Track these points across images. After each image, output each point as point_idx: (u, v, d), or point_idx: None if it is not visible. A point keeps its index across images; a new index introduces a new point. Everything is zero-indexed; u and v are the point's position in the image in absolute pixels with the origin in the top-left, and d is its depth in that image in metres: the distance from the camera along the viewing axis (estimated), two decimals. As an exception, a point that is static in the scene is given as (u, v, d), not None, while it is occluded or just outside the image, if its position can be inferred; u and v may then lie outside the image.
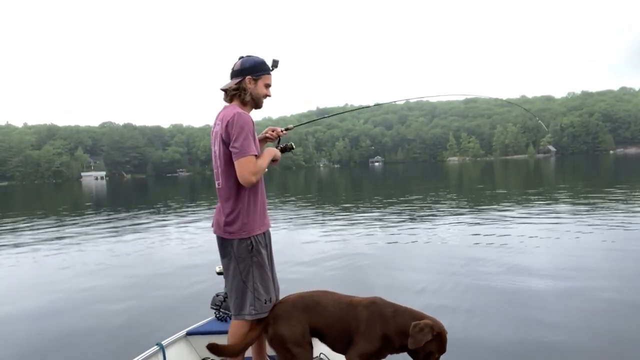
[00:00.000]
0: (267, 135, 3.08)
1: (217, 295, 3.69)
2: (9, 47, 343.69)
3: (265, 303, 2.79)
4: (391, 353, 2.66)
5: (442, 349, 2.54)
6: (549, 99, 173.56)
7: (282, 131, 3.11)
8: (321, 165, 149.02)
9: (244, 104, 2.83)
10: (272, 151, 2.92)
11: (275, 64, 2.86)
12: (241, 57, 2.85)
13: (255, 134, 2.84)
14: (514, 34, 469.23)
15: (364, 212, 14.79)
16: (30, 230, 14.32)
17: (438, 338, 2.51)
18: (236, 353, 2.76)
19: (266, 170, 2.87)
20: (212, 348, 2.73)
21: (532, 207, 13.63)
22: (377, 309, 2.64)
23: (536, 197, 17.25)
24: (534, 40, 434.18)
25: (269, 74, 2.86)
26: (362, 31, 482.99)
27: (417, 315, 2.61)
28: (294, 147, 3.10)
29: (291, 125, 3.27)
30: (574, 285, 5.59)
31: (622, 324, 4.35)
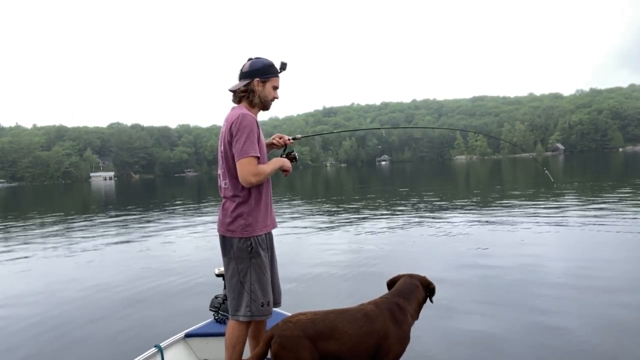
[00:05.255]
0: (274, 141, 3.10)
1: (216, 297, 3.66)
2: (17, 49, 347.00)
3: (262, 306, 2.76)
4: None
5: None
6: (557, 97, 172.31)
7: (289, 140, 3.14)
8: (328, 164, 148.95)
9: (252, 105, 2.84)
10: (281, 161, 2.92)
11: (283, 66, 2.87)
12: (250, 59, 2.85)
13: (262, 135, 2.85)
14: (522, 31, 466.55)
15: (371, 211, 14.72)
16: (37, 230, 14.39)
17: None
18: None
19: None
20: None
21: (541, 205, 13.49)
22: (396, 308, 2.63)
23: (546, 195, 17.08)
24: (542, 37, 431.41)
25: (277, 76, 2.88)
26: (368, 30, 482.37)
27: (416, 283, 2.79)
28: (297, 158, 3.08)
29: (299, 135, 3.28)
30: (587, 284, 5.52)
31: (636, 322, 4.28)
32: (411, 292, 2.74)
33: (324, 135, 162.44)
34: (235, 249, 2.76)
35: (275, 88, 2.88)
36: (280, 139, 3.11)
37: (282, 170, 2.94)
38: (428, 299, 2.86)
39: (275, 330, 2.51)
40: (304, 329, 2.47)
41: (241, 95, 2.84)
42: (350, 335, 2.50)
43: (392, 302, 2.66)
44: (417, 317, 2.75)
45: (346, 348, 2.49)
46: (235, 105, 2.88)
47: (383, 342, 2.52)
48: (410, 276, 2.83)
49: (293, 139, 3.19)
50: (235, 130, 2.68)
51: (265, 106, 2.88)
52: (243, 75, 2.83)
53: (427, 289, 2.82)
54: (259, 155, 2.73)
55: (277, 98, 2.91)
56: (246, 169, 2.66)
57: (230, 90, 2.89)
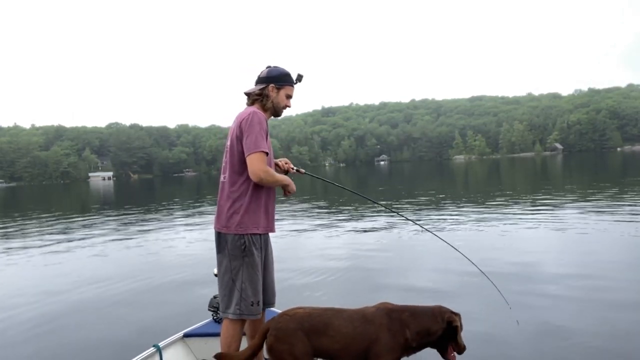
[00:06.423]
0: (280, 164, 3.15)
1: (215, 297, 3.67)
2: (16, 48, 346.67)
3: (252, 305, 2.80)
4: (407, 355, 2.63)
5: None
6: (555, 96, 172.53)
7: (293, 169, 3.21)
8: (327, 164, 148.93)
9: (264, 109, 2.94)
10: (288, 180, 2.97)
11: (299, 78, 3.00)
12: (268, 67, 2.97)
13: (269, 138, 2.90)
14: (520, 31, 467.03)
15: (368, 211, 14.74)
16: (35, 230, 14.39)
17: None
18: None
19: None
20: (218, 357, 2.65)
21: (541, 205, 13.52)
22: (396, 317, 2.59)
23: (545, 195, 17.12)
24: (541, 37, 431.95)
25: (292, 85, 2.99)
26: (367, 29, 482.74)
27: (435, 311, 2.64)
28: (294, 191, 3.05)
29: (302, 170, 3.35)
30: (588, 285, 5.52)
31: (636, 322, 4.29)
32: (423, 315, 2.61)
33: (323, 135, 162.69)
34: (229, 246, 2.80)
35: (289, 97, 2.98)
36: (286, 164, 3.19)
37: (286, 190, 2.96)
38: (449, 339, 2.62)
39: (271, 323, 2.56)
40: (300, 322, 2.51)
41: (255, 98, 2.94)
42: (344, 334, 2.52)
43: (394, 312, 2.62)
44: (415, 344, 2.59)
45: (339, 346, 2.52)
46: (248, 107, 2.96)
47: (373, 346, 2.52)
48: (439, 306, 2.69)
49: (297, 170, 3.26)
50: (246, 126, 2.75)
51: (276, 112, 2.98)
52: (259, 80, 2.94)
53: (447, 324, 2.61)
54: (267, 151, 2.79)
55: (289, 107, 3.01)
56: (257, 164, 2.72)
57: (246, 93, 2.98)
